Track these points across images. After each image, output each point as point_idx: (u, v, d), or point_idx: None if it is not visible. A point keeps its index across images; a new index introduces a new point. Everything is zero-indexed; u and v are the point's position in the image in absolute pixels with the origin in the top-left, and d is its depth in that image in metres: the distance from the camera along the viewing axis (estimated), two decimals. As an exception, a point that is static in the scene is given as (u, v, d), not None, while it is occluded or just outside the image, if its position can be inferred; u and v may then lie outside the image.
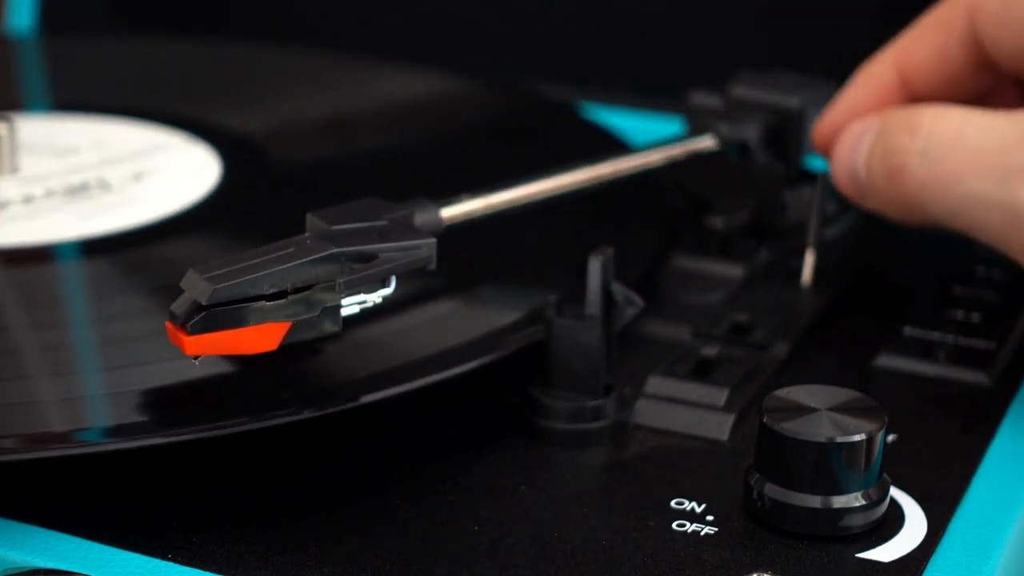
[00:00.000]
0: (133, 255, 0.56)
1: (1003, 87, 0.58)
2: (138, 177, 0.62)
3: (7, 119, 0.63)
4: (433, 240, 0.49)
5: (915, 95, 0.58)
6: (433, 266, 0.49)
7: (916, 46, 0.57)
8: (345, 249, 0.47)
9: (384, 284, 0.48)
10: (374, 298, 0.48)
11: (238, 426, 0.46)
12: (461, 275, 0.54)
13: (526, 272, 0.56)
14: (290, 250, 0.46)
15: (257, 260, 0.46)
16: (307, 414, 0.47)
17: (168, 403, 0.48)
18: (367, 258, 0.47)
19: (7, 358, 0.50)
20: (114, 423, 0.48)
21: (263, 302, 0.45)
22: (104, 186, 0.62)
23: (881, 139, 0.54)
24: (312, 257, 0.46)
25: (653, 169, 0.58)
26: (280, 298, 0.46)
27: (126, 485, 0.48)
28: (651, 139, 0.68)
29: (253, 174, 0.63)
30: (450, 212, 0.52)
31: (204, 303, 0.44)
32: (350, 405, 0.47)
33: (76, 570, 0.45)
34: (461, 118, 0.71)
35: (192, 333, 0.45)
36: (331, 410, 0.47)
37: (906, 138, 0.53)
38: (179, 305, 0.45)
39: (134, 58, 0.76)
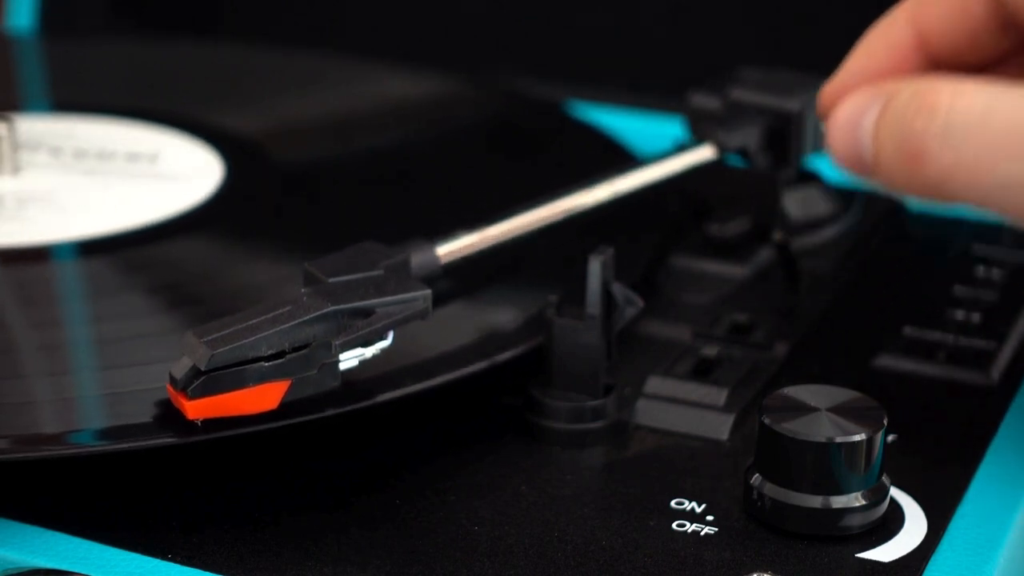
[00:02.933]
0: (133, 255, 0.56)
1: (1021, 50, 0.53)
2: (138, 177, 0.62)
3: (7, 119, 0.63)
4: (428, 292, 0.49)
5: (932, 56, 0.53)
6: (429, 317, 0.49)
7: (933, 2, 0.53)
8: (341, 307, 0.47)
9: (382, 338, 0.48)
10: (372, 351, 0.48)
11: (237, 428, 0.46)
12: (461, 275, 0.54)
13: (526, 272, 0.56)
14: (287, 309, 0.47)
15: (255, 321, 0.46)
16: (306, 417, 0.47)
17: (166, 404, 0.48)
18: (364, 313, 0.47)
19: (5, 358, 0.50)
20: (111, 424, 0.48)
21: (262, 363, 0.46)
22: (104, 186, 0.62)
23: (892, 120, 0.49)
24: (308, 317, 0.46)
25: (653, 186, 0.57)
26: (279, 357, 0.46)
27: (126, 485, 0.48)
28: (649, 139, 0.68)
29: (255, 174, 0.63)
30: (447, 251, 0.52)
31: (203, 368, 0.45)
32: (350, 407, 0.47)
33: (76, 570, 0.45)
34: (460, 118, 0.71)
35: (192, 398, 0.45)
36: (331, 412, 0.47)
37: (923, 120, 0.48)
38: (179, 369, 0.45)
39: (134, 58, 0.76)
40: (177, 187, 0.61)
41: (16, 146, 0.63)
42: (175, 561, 0.45)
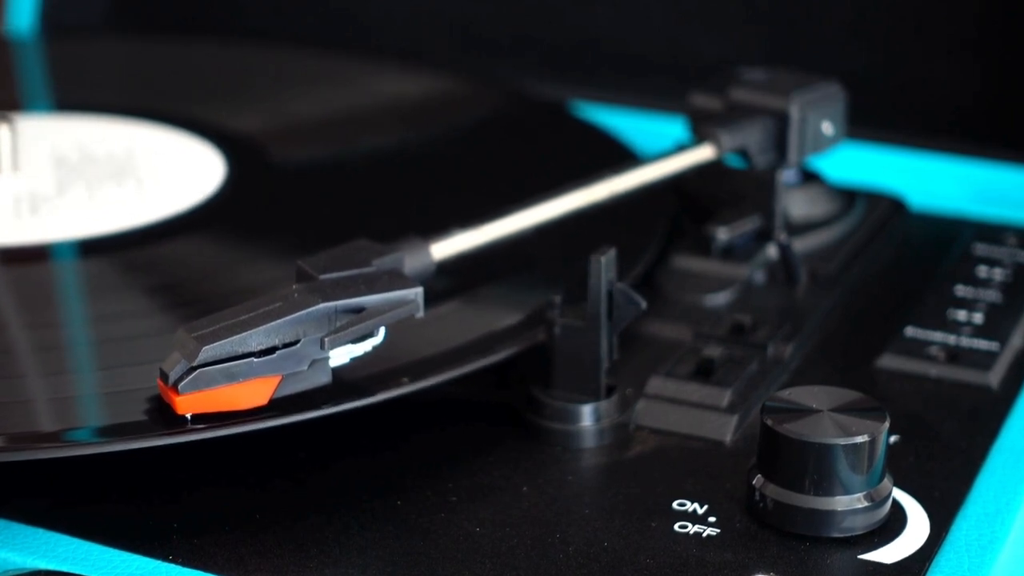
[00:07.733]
0: (133, 255, 0.56)
1: None
2: (138, 177, 0.62)
3: (8, 119, 0.63)
4: (420, 289, 0.49)
5: None
6: (421, 314, 0.49)
7: None
8: (331, 304, 0.47)
9: (372, 334, 0.48)
10: (364, 347, 0.48)
11: (237, 427, 0.46)
12: (461, 275, 0.54)
13: (526, 272, 0.56)
14: (277, 305, 0.47)
15: (245, 316, 0.46)
16: (307, 415, 0.47)
17: (165, 404, 0.48)
18: (354, 310, 0.47)
19: (4, 358, 0.50)
20: (111, 423, 0.48)
21: (252, 359, 0.46)
22: (105, 186, 0.62)
23: None
24: (298, 313, 0.46)
25: (652, 185, 0.57)
26: (269, 353, 0.46)
27: (127, 486, 0.48)
28: (651, 139, 0.68)
29: (255, 174, 0.63)
30: (441, 249, 0.52)
31: (193, 364, 0.45)
32: (350, 406, 0.47)
33: (77, 571, 0.45)
34: (461, 117, 0.71)
35: (183, 393, 0.45)
36: (331, 411, 0.47)
37: None
38: (169, 364, 0.46)
39: (134, 58, 0.76)
40: (177, 187, 0.61)
41: (17, 146, 0.63)
42: (176, 562, 0.45)
